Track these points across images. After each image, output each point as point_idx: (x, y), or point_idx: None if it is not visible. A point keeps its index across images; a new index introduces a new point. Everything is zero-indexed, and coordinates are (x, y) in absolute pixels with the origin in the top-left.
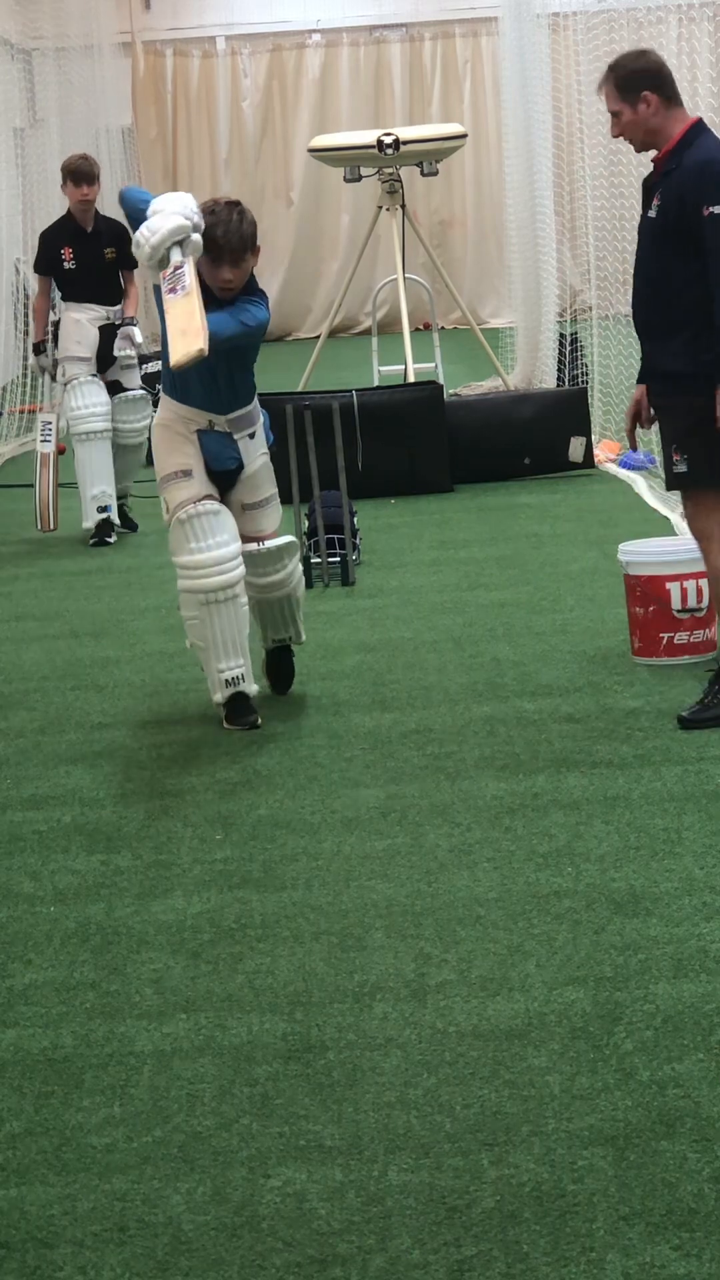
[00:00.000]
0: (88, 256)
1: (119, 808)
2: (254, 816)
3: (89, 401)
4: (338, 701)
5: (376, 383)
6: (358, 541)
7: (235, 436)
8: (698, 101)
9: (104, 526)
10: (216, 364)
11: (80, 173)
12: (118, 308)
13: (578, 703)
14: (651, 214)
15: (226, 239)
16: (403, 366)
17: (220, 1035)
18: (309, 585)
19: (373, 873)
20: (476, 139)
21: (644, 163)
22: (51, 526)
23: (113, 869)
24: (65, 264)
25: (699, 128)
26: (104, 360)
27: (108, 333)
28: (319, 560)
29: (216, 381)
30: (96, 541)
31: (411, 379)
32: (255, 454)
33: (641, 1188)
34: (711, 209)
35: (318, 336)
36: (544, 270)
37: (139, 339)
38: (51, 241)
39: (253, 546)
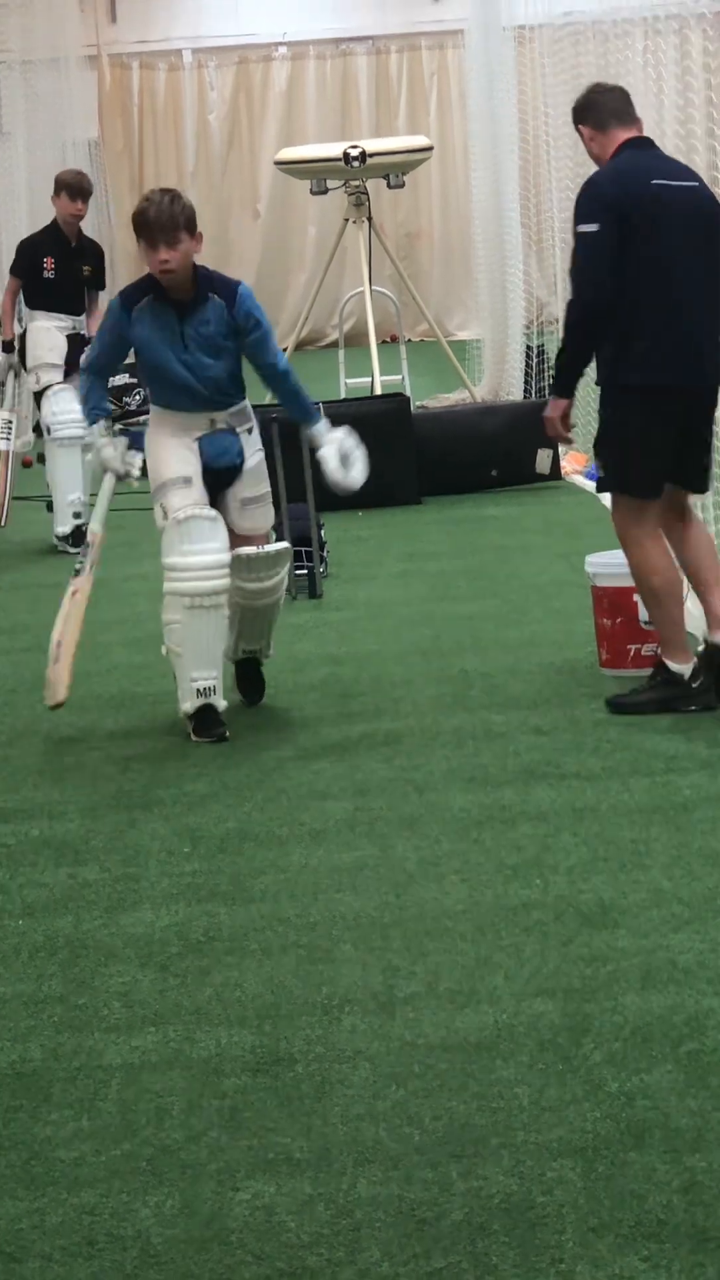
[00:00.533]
0: (67, 269)
1: (86, 821)
2: (222, 829)
3: (67, 408)
4: (305, 714)
5: (343, 395)
6: (325, 554)
7: (237, 430)
8: (663, 114)
9: (79, 534)
10: (215, 367)
11: (77, 188)
12: (82, 318)
13: (546, 715)
14: None
15: (157, 217)
16: (370, 379)
17: (189, 1048)
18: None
19: (341, 885)
20: (443, 151)
21: None
22: (2, 523)
23: (80, 882)
24: (45, 272)
25: (625, 145)
26: (71, 367)
27: (74, 341)
28: None
29: (213, 383)
30: (70, 545)
31: (378, 391)
32: (253, 448)
33: (610, 1199)
34: (578, 228)
35: (284, 349)
36: (511, 283)
37: None
38: (36, 248)
39: (251, 550)
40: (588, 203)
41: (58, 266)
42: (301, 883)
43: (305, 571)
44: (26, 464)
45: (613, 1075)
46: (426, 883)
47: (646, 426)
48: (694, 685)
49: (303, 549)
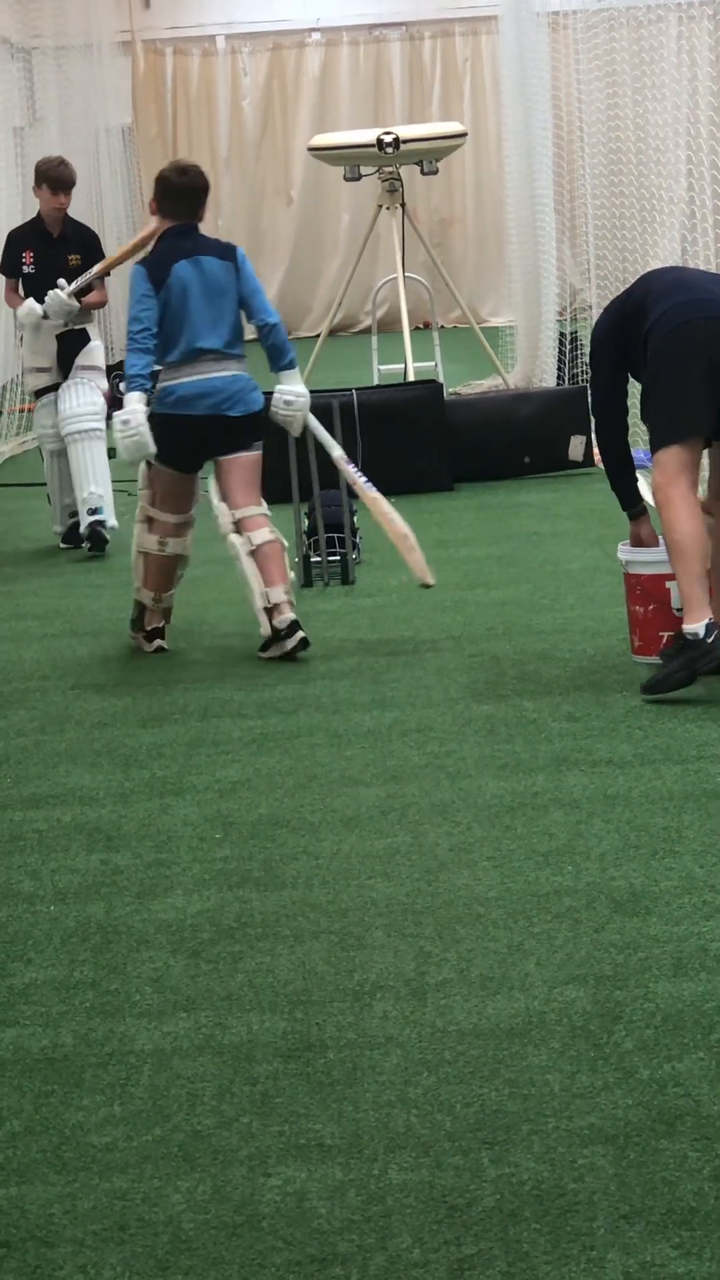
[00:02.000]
0: (49, 262)
1: (119, 807)
2: (254, 815)
3: (48, 423)
4: (338, 700)
5: (376, 381)
6: (358, 540)
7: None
8: (697, 100)
9: (79, 531)
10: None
11: (58, 180)
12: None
13: (578, 701)
14: None
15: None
16: (403, 365)
17: (220, 1034)
18: (309, 584)
19: (373, 871)
20: (476, 138)
21: (643, 161)
22: None
23: (112, 868)
24: (25, 267)
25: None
26: (65, 365)
27: (68, 339)
28: (319, 559)
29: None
30: (80, 545)
31: (411, 378)
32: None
33: (641, 1186)
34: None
35: (318, 335)
36: (544, 269)
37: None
38: (16, 243)
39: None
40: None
41: (37, 259)
42: (333, 869)
43: (338, 558)
44: None
45: (644, 1062)
46: (458, 869)
47: (683, 361)
48: (708, 641)
49: (335, 535)
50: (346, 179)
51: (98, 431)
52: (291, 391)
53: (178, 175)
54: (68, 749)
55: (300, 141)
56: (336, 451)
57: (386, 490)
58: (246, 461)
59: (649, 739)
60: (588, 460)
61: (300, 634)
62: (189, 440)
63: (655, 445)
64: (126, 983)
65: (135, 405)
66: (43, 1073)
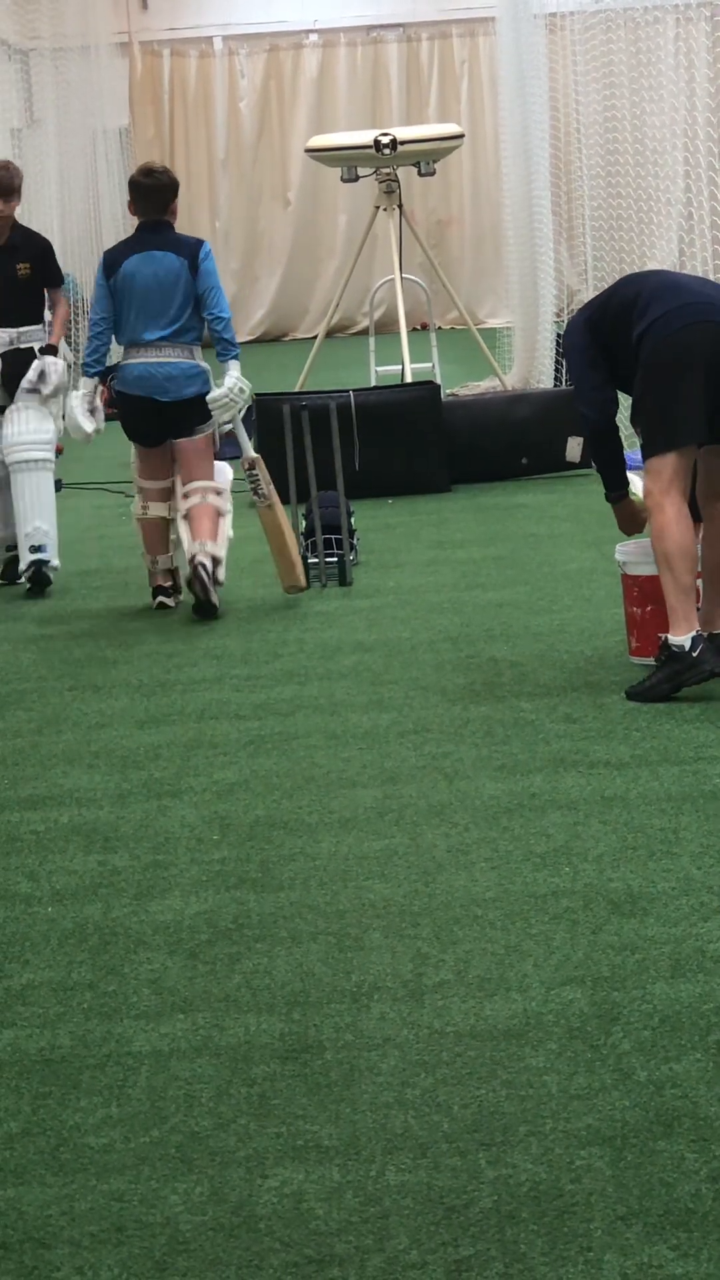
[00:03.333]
0: (4, 271)
1: (116, 808)
2: (251, 817)
3: None
4: (335, 701)
5: (374, 383)
6: (355, 542)
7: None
8: (694, 102)
9: (11, 569)
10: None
11: (3, 186)
12: (31, 329)
13: (575, 703)
14: None
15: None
16: (400, 367)
17: (218, 1035)
18: (307, 585)
19: (370, 873)
20: (474, 139)
21: (641, 162)
22: None
23: (110, 869)
24: None
25: None
26: (10, 386)
27: (14, 358)
28: (316, 560)
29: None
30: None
31: (409, 379)
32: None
33: (639, 1188)
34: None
35: (315, 337)
36: (541, 270)
37: (55, 378)
38: None
39: None
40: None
41: None
42: (331, 870)
43: (335, 559)
44: (57, 451)
45: (641, 1064)
46: (456, 870)
47: (682, 367)
48: (694, 655)
49: (333, 536)
50: (344, 180)
51: (46, 462)
52: (225, 381)
53: (144, 176)
54: (65, 750)
55: (297, 143)
56: (250, 453)
57: (383, 492)
58: (186, 445)
59: (646, 740)
60: (585, 462)
61: (162, 599)
62: (134, 416)
63: (650, 451)
64: (124, 984)
65: (82, 390)
66: (40, 1074)
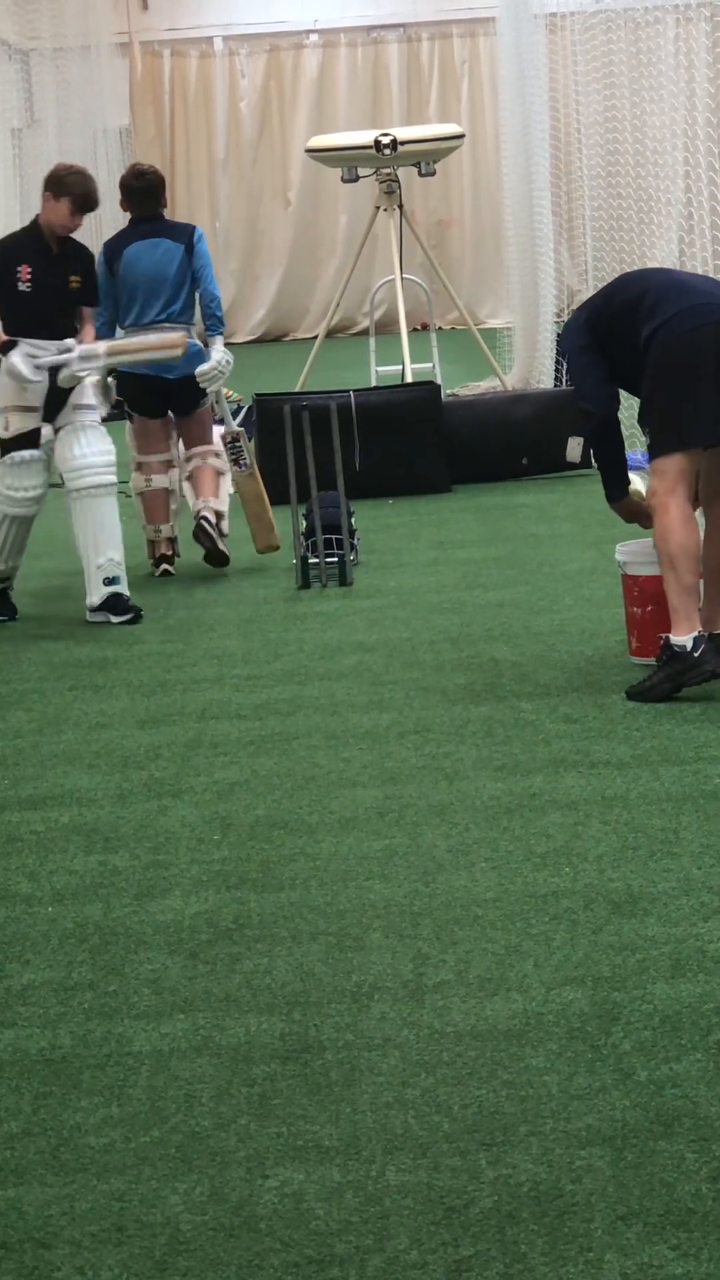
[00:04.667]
0: (49, 281)
1: (116, 808)
2: (252, 817)
3: (27, 484)
4: (335, 701)
5: (374, 383)
6: (355, 542)
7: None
8: (694, 102)
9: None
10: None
11: (89, 202)
12: (70, 343)
13: (575, 703)
14: None
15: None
16: (400, 367)
17: (218, 1035)
18: (307, 585)
19: (370, 873)
20: (474, 139)
21: (641, 162)
22: None
23: (110, 869)
24: (20, 284)
25: None
26: (53, 406)
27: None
28: (316, 561)
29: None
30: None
31: (409, 379)
32: None
33: (639, 1188)
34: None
35: (315, 337)
36: (542, 270)
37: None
38: (8, 255)
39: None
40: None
41: (35, 277)
42: (331, 870)
43: (336, 559)
44: None
45: (642, 1064)
46: (456, 871)
47: (691, 368)
48: (695, 655)
49: (333, 536)
50: (344, 181)
51: (114, 486)
52: (213, 354)
53: (135, 179)
54: (65, 750)
55: (298, 143)
56: (232, 426)
57: (384, 492)
58: (197, 416)
59: (647, 740)
60: (585, 462)
61: (165, 566)
62: (142, 394)
63: (657, 451)
64: (124, 984)
65: (93, 378)
66: (40, 1074)
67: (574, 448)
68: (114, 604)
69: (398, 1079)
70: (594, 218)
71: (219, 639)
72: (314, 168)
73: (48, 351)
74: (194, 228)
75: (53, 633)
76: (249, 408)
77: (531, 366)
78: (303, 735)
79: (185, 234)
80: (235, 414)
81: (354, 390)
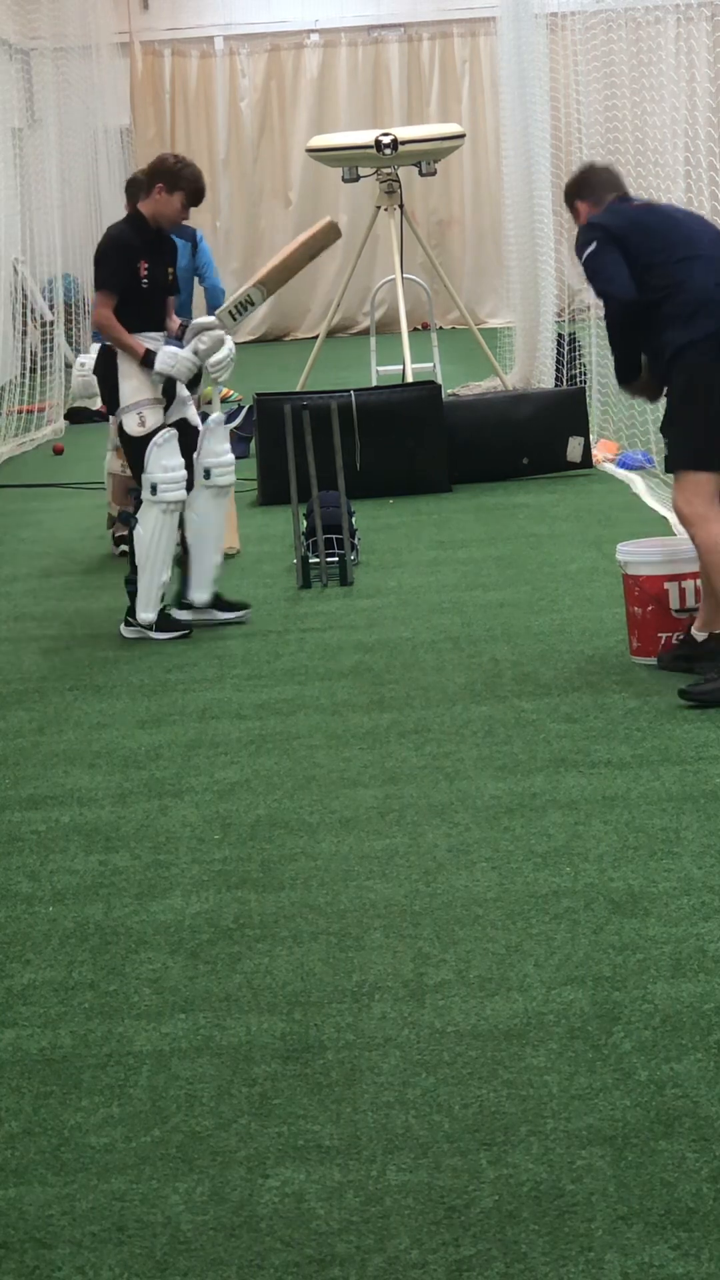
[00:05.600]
0: (157, 274)
1: (117, 808)
2: (252, 816)
3: (175, 463)
4: (336, 701)
5: (375, 383)
6: (356, 542)
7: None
8: (695, 101)
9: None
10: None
11: (202, 196)
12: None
13: (576, 702)
14: None
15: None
16: (401, 366)
17: (219, 1035)
18: (307, 585)
19: (371, 873)
20: (475, 139)
21: (641, 161)
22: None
23: (111, 869)
24: (142, 281)
25: (611, 203)
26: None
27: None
28: (317, 560)
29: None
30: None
31: (410, 379)
32: None
33: (640, 1187)
34: (579, 259)
35: (316, 336)
36: (542, 270)
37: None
38: (130, 251)
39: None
40: (582, 235)
41: (151, 272)
42: (332, 870)
43: (336, 559)
44: (58, 451)
45: (642, 1064)
46: (457, 870)
47: (715, 384)
48: None
49: (334, 536)
50: (345, 180)
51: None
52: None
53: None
54: (66, 750)
55: (298, 143)
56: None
57: (384, 491)
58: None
59: (647, 740)
60: (586, 461)
61: (123, 547)
62: None
63: (680, 465)
64: (125, 984)
65: (85, 357)
66: (41, 1074)
67: (574, 447)
68: (168, 622)
69: (398, 1079)
70: None
71: (219, 638)
72: (314, 167)
73: (157, 343)
74: (194, 230)
75: (53, 633)
76: (250, 407)
77: (532, 366)
78: (303, 735)
79: (190, 233)
80: (235, 414)
81: (355, 390)
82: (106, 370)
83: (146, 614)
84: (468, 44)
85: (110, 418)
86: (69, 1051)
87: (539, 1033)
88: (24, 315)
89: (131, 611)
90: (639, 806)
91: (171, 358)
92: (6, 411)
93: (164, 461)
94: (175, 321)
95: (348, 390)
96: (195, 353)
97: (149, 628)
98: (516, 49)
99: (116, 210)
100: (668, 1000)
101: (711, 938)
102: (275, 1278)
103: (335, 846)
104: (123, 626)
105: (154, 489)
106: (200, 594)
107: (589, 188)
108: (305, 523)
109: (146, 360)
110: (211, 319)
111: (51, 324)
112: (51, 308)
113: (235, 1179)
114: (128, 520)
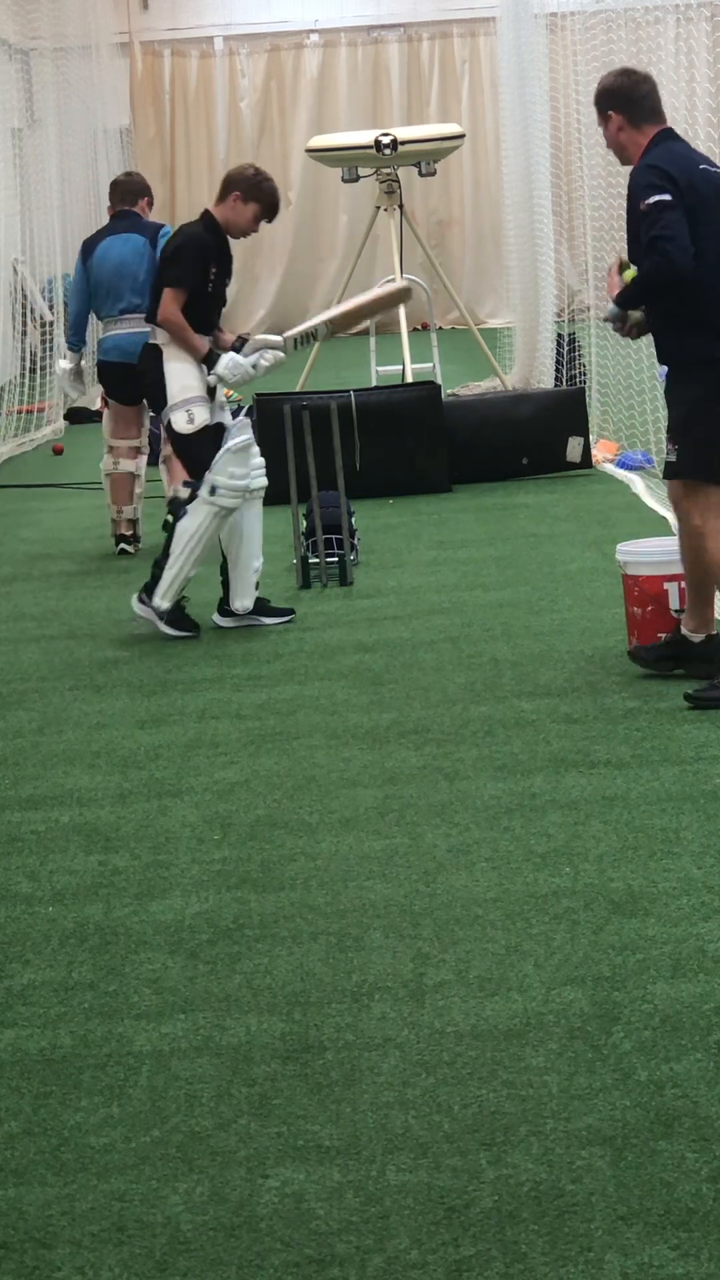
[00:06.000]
0: (221, 282)
1: (117, 808)
2: (252, 816)
3: (242, 472)
4: (335, 702)
5: (374, 383)
6: (356, 542)
7: None
8: (695, 101)
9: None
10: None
11: (275, 213)
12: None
13: (576, 703)
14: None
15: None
16: (401, 367)
17: (218, 1035)
18: (307, 585)
19: (371, 873)
20: (474, 139)
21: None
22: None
23: (111, 869)
24: (208, 285)
25: (660, 137)
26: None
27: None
28: (317, 560)
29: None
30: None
31: (409, 379)
32: None
33: (640, 1188)
34: (645, 202)
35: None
36: (542, 270)
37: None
38: (206, 253)
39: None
40: (654, 178)
41: (216, 279)
42: (331, 870)
43: (336, 559)
44: (58, 451)
45: (642, 1064)
46: (456, 870)
47: None
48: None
49: (333, 536)
50: (344, 180)
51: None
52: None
53: (123, 176)
54: (66, 750)
55: (298, 143)
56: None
57: (384, 492)
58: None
59: (647, 740)
60: (585, 461)
61: (124, 545)
62: (113, 380)
63: (686, 473)
64: (125, 984)
65: (64, 361)
66: (41, 1074)
67: (574, 447)
68: (182, 619)
69: (398, 1079)
70: (594, 218)
71: (218, 638)
72: (314, 167)
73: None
74: (161, 226)
75: (53, 633)
76: (249, 407)
77: (532, 366)
78: (303, 735)
79: (151, 230)
80: (235, 414)
81: (354, 390)
82: (151, 368)
83: (164, 602)
84: (468, 44)
85: (105, 414)
86: (69, 1051)
87: (539, 1033)
88: (24, 315)
89: (149, 590)
90: (639, 806)
91: (235, 366)
92: (6, 411)
93: (232, 469)
94: (227, 336)
95: (347, 390)
96: (254, 367)
97: (160, 617)
98: (516, 49)
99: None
100: (667, 1000)
101: (711, 938)
102: (275, 1278)
103: (335, 847)
104: (135, 601)
105: (214, 490)
106: (243, 601)
107: (630, 103)
108: (305, 523)
109: (208, 359)
110: (277, 339)
111: (51, 324)
112: (51, 308)
113: (235, 1179)
114: (178, 508)
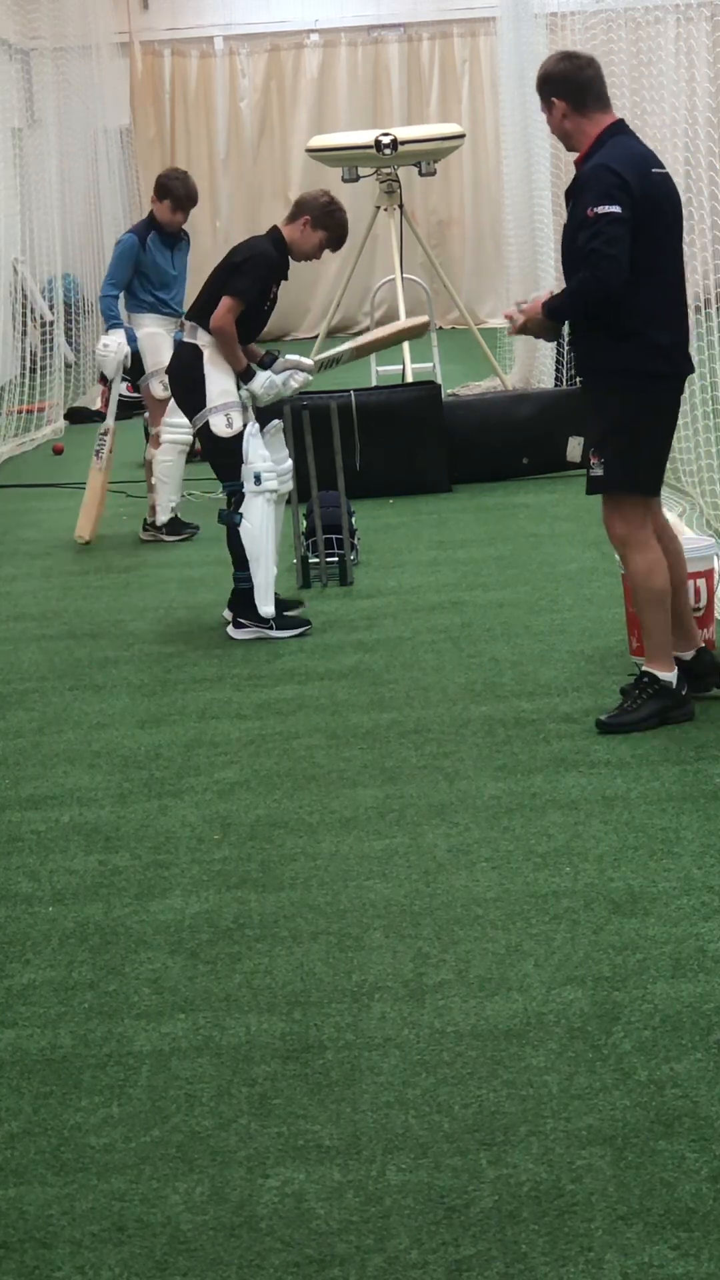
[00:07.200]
0: (274, 301)
1: (117, 808)
2: (252, 816)
3: (267, 453)
4: (336, 701)
5: (374, 383)
6: (356, 542)
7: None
8: (695, 101)
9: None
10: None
11: (343, 244)
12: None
13: (576, 702)
14: (566, 221)
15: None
16: (401, 366)
17: (218, 1035)
18: (307, 585)
19: (371, 873)
20: (474, 139)
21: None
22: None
23: (111, 869)
24: (265, 304)
25: (612, 130)
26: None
27: None
28: (317, 560)
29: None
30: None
31: (409, 379)
32: None
33: (640, 1187)
34: (595, 209)
35: (315, 336)
36: (542, 270)
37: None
38: (273, 273)
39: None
40: (607, 186)
41: (273, 299)
42: (332, 870)
43: (336, 559)
44: (58, 451)
45: (642, 1063)
46: (456, 870)
47: (665, 418)
48: (681, 693)
49: (333, 536)
50: (344, 180)
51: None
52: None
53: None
54: (66, 750)
55: (298, 143)
56: (110, 421)
57: (384, 492)
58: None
59: (647, 740)
60: (585, 461)
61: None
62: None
63: (612, 488)
64: (125, 984)
65: (109, 336)
66: (41, 1074)
67: (574, 447)
68: (288, 618)
69: (398, 1079)
70: None
71: (219, 638)
72: (314, 168)
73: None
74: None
75: (53, 633)
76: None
77: (532, 366)
78: (303, 735)
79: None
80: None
81: (354, 390)
82: (183, 370)
83: (268, 607)
84: (468, 44)
85: (105, 418)
86: (69, 1051)
87: (539, 1033)
88: (24, 315)
89: (241, 611)
90: (639, 806)
91: (270, 385)
92: (6, 411)
93: (261, 451)
94: (254, 349)
95: (347, 390)
96: (284, 385)
97: (268, 624)
98: (516, 49)
99: (116, 210)
100: (668, 1000)
101: (711, 938)
102: (275, 1278)
103: (335, 846)
104: (231, 629)
105: (258, 479)
106: (265, 608)
107: (575, 89)
108: (305, 522)
109: (245, 375)
110: (308, 361)
111: (51, 324)
112: (51, 308)
113: (235, 1179)
114: (231, 520)
